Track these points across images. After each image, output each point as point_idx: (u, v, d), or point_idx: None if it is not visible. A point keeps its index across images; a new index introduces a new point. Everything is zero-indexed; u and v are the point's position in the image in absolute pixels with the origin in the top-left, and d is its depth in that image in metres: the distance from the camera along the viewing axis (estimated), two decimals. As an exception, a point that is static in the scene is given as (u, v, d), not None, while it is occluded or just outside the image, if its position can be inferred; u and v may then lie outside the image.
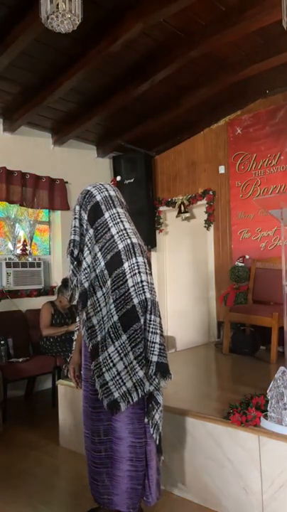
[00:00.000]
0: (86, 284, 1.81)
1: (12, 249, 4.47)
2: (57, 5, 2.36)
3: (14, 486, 2.39)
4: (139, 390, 1.68)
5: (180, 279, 5.36)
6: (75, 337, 1.98)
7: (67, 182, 4.82)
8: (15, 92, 3.87)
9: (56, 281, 4.77)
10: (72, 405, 2.84)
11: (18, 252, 4.48)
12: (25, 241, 4.55)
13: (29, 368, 3.73)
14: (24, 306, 4.32)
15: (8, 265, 4.29)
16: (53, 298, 4.36)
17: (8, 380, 3.46)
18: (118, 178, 5.17)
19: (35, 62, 3.41)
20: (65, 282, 4.08)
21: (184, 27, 3.24)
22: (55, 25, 2.45)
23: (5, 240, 4.50)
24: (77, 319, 1.89)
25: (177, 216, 5.30)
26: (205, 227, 5.03)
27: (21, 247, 4.50)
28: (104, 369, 1.72)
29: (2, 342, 3.63)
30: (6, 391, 3.43)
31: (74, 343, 1.99)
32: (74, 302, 1.88)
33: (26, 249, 4.52)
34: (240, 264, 4.49)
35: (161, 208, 5.48)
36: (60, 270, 4.81)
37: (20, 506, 2.18)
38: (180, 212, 5.24)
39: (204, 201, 5.06)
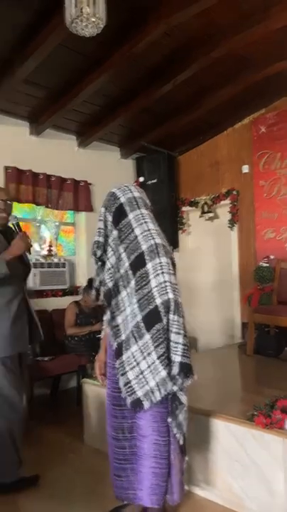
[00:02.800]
0: (110, 284, 1.84)
1: (38, 250, 4.57)
2: (82, 9, 2.40)
3: (39, 484, 2.43)
4: (162, 390, 1.69)
5: (202, 279, 5.34)
6: (102, 335, 2.02)
7: (91, 184, 4.88)
8: (41, 96, 3.95)
9: (80, 281, 4.84)
10: (97, 404, 2.88)
11: (44, 252, 4.57)
12: (50, 242, 4.64)
13: (55, 366, 3.80)
14: (50, 306, 4.40)
15: (34, 266, 4.37)
16: (78, 298, 4.42)
17: (35, 378, 3.54)
18: (141, 179, 5.19)
19: (59, 66, 3.47)
20: (90, 282, 4.13)
21: (205, 27, 3.23)
22: (79, 29, 2.49)
23: (31, 241, 4.59)
24: (103, 318, 1.93)
25: (200, 216, 5.28)
26: (229, 227, 5.00)
27: (47, 248, 4.59)
28: (127, 368, 1.74)
29: (28, 341, 3.70)
30: (33, 389, 3.50)
31: (101, 341, 2.02)
32: (99, 302, 1.91)
33: (52, 250, 4.61)
34: (264, 265, 4.44)
35: (184, 209, 5.47)
36: (84, 270, 4.87)
37: (43, 503, 2.23)
38: (203, 212, 5.22)
39: (227, 201, 5.03)
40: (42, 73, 3.48)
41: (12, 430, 2.30)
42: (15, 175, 4.24)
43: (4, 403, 2.27)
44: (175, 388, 1.73)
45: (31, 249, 2.54)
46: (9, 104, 3.99)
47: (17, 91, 3.71)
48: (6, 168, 4.20)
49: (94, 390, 2.92)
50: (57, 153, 4.63)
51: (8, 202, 2.50)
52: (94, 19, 2.38)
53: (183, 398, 1.77)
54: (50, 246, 4.62)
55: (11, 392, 2.29)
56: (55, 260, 4.60)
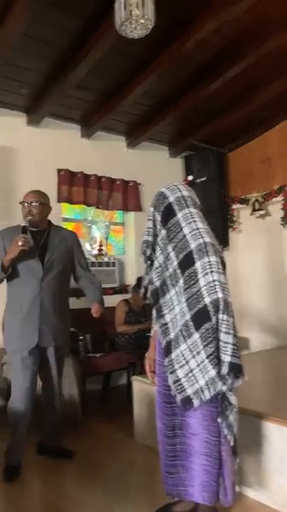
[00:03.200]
0: (157, 283, 1.86)
1: (89, 249, 4.69)
2: (131, 11, 2.44)
3: (91, 475, 2.51)
4: (211, 389, 1.68)
5: (254, 278, 5.21)
6: (151, 334, 2.04)
7: (139, 184, 4.93)
8: (92, 99, 4.05)
9: (129, 280, 4.91)
10: (147, 401, 2.91)
11: (95, 252, 4.69)
12: (101, 241, 4.75)
13: (106, 363, 3.88)
14: (100, 304, 4.49)
15: (85, 265, 4.50)
16: (127, 296, 4.49)
17: (87, 374, 3.64)
18: (190, 177, 5.16)
19: (109, 69, 3.54)
20: (140, 281, 4.18)
21: (255, 22, 3.15)
22: (128, 32, 2.53)
23: (83, 241, 4.73)
24: (153, 317, 1.95)
25: (251, 214, 5.16)
26: (281, 224, 4.83)
27: (97, 248, 4.71)
28: (176, 366, 1.75)
29: (81, 338, 3.82)
30: (85, 385, 3.60)
31: (151, 339, 2.05)
32: (148, 301, 1.93)
33: (102, 250, 4.72)
34: None
35: (234, 206, 5.37)
36: (133, 269, 4.94)
37: (96, 495, 2.29)
38: (254, 209, 5.10)
39: (279, 198, 4.86)
40: (93, 77, 3.57)
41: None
42: (68, 177, 4.38)
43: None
44: (225, 388, 1.71)
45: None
46: (61, 109, 4.13)
47: (69, 95, 3.83)
48: (59, 170, 4.36)
49: (144, 388, 2.95)
50: (106, 155, 4.73)
51: (35, 203, 2.60)
52: (143, 21, 2.40)
53: (233, 399, 1.75)
54: (101, 245, 4.73)
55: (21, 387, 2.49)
56: (105, 259, 4.70)
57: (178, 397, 1.74)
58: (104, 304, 2.85)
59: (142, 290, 1.92)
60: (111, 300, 4.56)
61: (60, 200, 4.36)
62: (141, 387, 3.01)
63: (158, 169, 5.06)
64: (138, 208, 4.92)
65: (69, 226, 4.66)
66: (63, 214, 4.52)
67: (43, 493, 2.36)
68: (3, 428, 2.84)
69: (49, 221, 2.75)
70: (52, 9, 2.80)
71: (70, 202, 4.46)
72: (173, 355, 1.76)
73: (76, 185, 4.45)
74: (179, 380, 1.74)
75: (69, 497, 2.32)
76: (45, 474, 2.55)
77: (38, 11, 2.73)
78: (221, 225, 5.15)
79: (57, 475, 2.52)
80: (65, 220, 4.58)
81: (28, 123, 4.23)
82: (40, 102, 3.93)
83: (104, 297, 4.50)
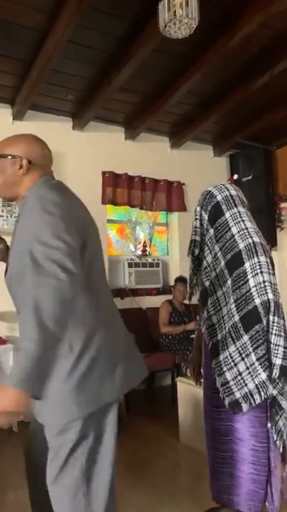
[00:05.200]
0: (206, 283, 1.83)
1: (133, 250, 4.74)
2: (175, 12, 2.43)
3: (137, 474, 2.53)
4: (262, 393, 1.64)
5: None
6: (195, 335, 2.02)
7: (183, 184, 4.91)
8: (136, 101, 4.08)
9: (173, 280, 4.89)
10: (192, 403, 2.88)
11: (139, 252, 4.72)
12: (145, 242, 4.77)
13: (150, 363, 3.83)
14: (144, 304, 4.53)
15: (129, 265, 4.55)
16: (171, 297, 4.48)
17: (131, 373, 3.66)
18: (236, 176, 5.06)
19: (152, 70, 3.55)
20: (179, 278, 4.20)
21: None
22: (172, 32, 2.53)
23: (127, 242, 4.78)
24: (198, 318, 1.93)
25: (299, 213, 4.98)
26: None
27: (141, 248, 4.74)
28: (224, 368, 1.72)
29: (125, 337, 3.85)
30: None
31: (194, 341, 2.02)
32: (195, 301, 1.91)
33: (146, 250, 4.74)
34: None
35: (282, 205, 5.20)
36: (177, 270, 4.92)
37: (143, 493, 2.31)
38: (303, 208, 4.92)
39: None
40: (136, 79, 3.59)
41: None
42: (112, 179, 4.44)
43: None
44: (275, 392, 1.66)
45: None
46: (105, 112, 4.20)
47: (113, 99, 3.88)
48: (104, 172, 4.43)
49: (189, 389, 2.93)
50: (150, 156, 4.74)
51: None
52: (186, 20, 2.40)
53: (284, 403, 1.69)
54: (145, 246, 4.76)
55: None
56: (149, 260, 4.72)
57: (226, 401, 1.71)
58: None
59: (188, 290, 1.90)
60: (155, 301, 4.57)
61: (104, 202, 4.44)
62: (186, 389, 2.99)
63: (202, 169, 5.02)
64: (183, 208, 4.89)
65: (113, 227, 4.73)
66: (108, 216, 4.59)
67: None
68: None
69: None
70: (98, 15, 2.85)
71: (115, 204, 4.52)
72: (221, 357, 1.73)
73: (120, 186, 4.51)
74: (227, 382, 1.71)
75: (117, 494, 2.34)
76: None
77: (84, 18, 2.79)
78: (268, 225, 5.01)
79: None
80: (110, 221, 4.65)
81: (74, 127, 4.33)
82: (85, 106, 4.02)
83: (148, 298, 4.59)
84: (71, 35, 2.92)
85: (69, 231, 1.17)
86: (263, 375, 1.63)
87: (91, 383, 1.25)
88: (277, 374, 1.64)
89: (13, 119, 4.00)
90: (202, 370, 1.95)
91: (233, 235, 1.76)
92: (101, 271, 1.48)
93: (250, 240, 1.73)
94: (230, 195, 1.85)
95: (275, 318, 1.65)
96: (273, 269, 1.76)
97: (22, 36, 3.02)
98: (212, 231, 1.83)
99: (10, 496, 2.35)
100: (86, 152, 4.36)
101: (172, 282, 4.89)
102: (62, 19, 2.75)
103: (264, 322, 1.65)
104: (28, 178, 1.40)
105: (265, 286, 1.66)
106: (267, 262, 1.71)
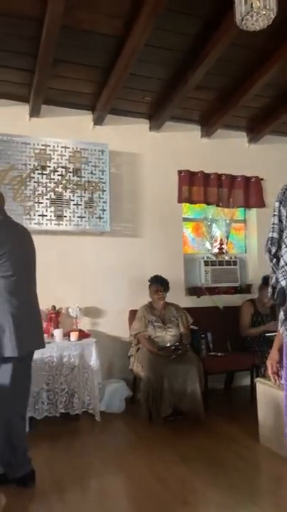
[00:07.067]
0: (283, 283, 1.77)
1: (209, 248, 4.70)
2: (252, 4, 2.38)
3: (216, 473, 2.52)
4: None
5: None
6: (274, 335, 1.97)
7: (262, 179, 4.76)
8: (212, 99, 4.05)
9: (251, 279, 4.77)
10: (273, 405, 2.80)
11: (215, 250, 4.67)
12: (221, 240, 4.71)
13: (227, 362, 3.85)
14: (221, 303, 4.47)
15: (206, 263, 4.53)
16: (249, 296, 4.38)
17: (208, 372, 3.66)
18: None
19: (228, 65, 3.49)
20: (266, 280, 4.04)
21: None
22: (249, 25, 2.47)
23: (203, 240, 4.76)
24: (278, 318, 1.87)
25: None
26: None
27: (218, 246, 4.68)
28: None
29: (203, 336, 3.86)
30: (207, 382, 3.63)
31: (275, 340, 1.97)
32: (274, 301, 1.86)
33: (223, 248, 4.68)
34: None
35: None
36: (255, 268, 4.79)
37: (223, 493, 2.29)
38: None
39: None
40: (213, 76, 3.56)
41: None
42: (188, 177, 4.46)
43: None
44: None
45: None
46: (181, 111, 4.22)
47: (189, 97, 3.89)
48: (180, 171, 4.46)
49: (269, 391, 2.85)
50: (227, 152, 4.67)
51: None
52: (264, 12, 2.33)
53: None
54: (221, 244, 4.70)
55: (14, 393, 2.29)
56: (226, 258, 4.65)
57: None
58: None
59: (269, 290, 1.85)
60: (232, 299, 4.50)
61: (180, 200, 4.47)
62: (266, 390, 2.91)
63: (282, 163, 4.80)
64: (261, 204, 4.75)
65: (189, 225, 4.74)
66: (183, 214, 4.61)
67: (173, 486, 2.44)
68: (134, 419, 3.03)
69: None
70: (173, 16, 2.89)
71: (191, 202, 4.53)
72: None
73: (196, 184, 4.50)
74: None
75: (195, 491, 2.37)
76: (172, 468, 2.64)
77: (159, 20, 2.84)
78: None
79: (184, 469, 2.59)
80: (185, 219, 4.66)
81: (151, 128, 4.42)
82: (161, 107, 4.09)
83: (225, 297, 4.53)
84: (147, 38, 2.98)
85: None
86: None
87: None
88: None
89: (94, 124, 4.20)
90: (282, 372, 1.89)
91: (315, 232, 1.68)
92: (23, 280, 2.33)
93: None
94: (311, 190, 1.76)
95: None
96: None
97: (100, 44, 3.16)
98: (291, 228, 1.76)
99: (93, 483, 2.49)
100: (162, 152, 4.43)
101: (250, 281, 4.77)
102: (139, 23, 2.83)
103: None
104: None
105: None
106: None
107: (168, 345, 3.62)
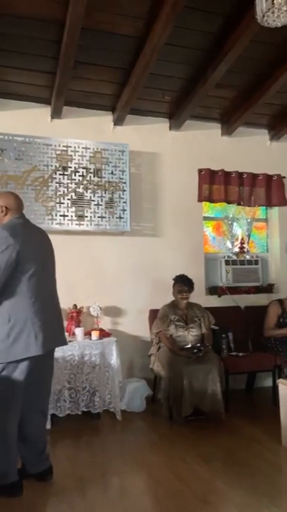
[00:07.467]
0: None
1: (230, 247, 4.66)
2: (273, 0, 2.35)
3: (237, 473, 2.50)
4: None
5: None
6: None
7: (284, 177, 4.69)
8: (232, 97, 4.02)
9: (274, 278, 4.71)
10: (294, 406, 2.76)
11: (236, 250, 4.63)
12: (242, 239, 4.67)
13: (248, 363, 3.81)
14: (242, 302, 4.43)
15: (227, 263, 4.50)
16: (275, 296, 4.32)
17: (229, 372, 3.63)
18: None
19: (249, 63, 3.46)
20: None
21: None
22: (270, 22, 2.43)
23: (224, 239, 4.72)
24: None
25: None
26: None
27: (239, 245, 4.64)
28: None
29: (223, 335, 3.83)
30: (228, 382, 3.60)
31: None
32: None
33: (244, 247, 4.63)
34: None
35: None
36: (278, 267, 4.72)
37: (244, 493, 2.28)
38: None
39: None
40: (233, 73, 3.53)
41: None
42: (208, 176, 4.43)
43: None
44: None
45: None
46: (202, 110, 4.20)
47: (209, 96, 3.87)
48: (200, 170, 4.44)
49: (292, 392, 2.81)
50: (248, 150, 4.62)
51: None
52: (286, 8, 2.29)
53: None
54: (242, 243, 4.65)
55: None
56: (248, 257, 4.60)
57: None
58: None
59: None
60: (254, 299, 4.46)
61: (200, 199, 4.44)
62: (288, 392, 2.87)
63: (304, 160, 4.73)
64: (283, 202, 4.68)
65: (209, 224, 4.71)
66: (204, 213, 4.59)
67: (193, 485, 2.44)
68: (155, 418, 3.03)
69: None
70: (192, 14, 2.87)
71: (211, 201, 4.50)
72: None
73: (216, 183, 4.47)
74: None
75: (215, 491, 2.36)
76: (193, 467, 2.64)
77: (179, 18, 2.83)
78: None
79: (205, 469, 2.59)
80: (206, 218, 4.64)
81: (171, 128, 4.42)
82: (181, 106, 4.07)
83: (246, 296, 4.48)
84: (167, 37, 2.98)
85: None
86: None
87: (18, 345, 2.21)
88: None
89: (114, 124, 4.22)
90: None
91: None
92: (43, 280, 2.35)
93: None
94: None
95: None
96: None
97: (121, 45, 3.18)
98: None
99: (114, 481, 2.51)
100: (182, 151, 4.42)
101: (272, 280, 4.71)
102: (159, 23, 2.84)
103: None
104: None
105: None
106: None
107: (189, 346, 3.60)
